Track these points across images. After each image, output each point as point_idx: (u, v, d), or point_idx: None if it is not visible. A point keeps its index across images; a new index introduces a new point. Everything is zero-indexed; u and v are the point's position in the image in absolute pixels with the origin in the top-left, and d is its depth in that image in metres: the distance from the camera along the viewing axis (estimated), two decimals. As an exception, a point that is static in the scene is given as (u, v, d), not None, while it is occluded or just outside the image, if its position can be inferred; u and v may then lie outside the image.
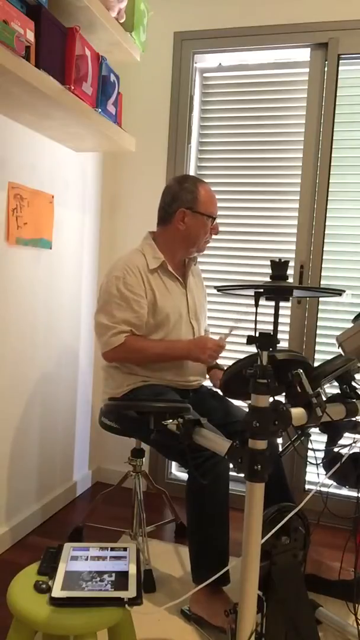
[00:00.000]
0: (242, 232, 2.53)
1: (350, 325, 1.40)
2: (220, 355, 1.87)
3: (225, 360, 2.11)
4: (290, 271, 2.39)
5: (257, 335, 1.12)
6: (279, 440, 2.04)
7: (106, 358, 1.86)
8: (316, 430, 1.42)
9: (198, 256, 2.11)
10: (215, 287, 1.51)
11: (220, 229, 2.53)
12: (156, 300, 1.86)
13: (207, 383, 2.09)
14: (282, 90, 2.46)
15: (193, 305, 1.99)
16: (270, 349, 1.12)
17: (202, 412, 1.80)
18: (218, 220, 2.59)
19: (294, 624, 1.32)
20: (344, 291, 1.41)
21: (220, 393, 1.65)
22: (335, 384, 1.40)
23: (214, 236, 2.30)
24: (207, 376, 2.10)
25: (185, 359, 1.88)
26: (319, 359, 2.43)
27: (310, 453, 2.40)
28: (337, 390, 1.39)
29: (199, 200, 1.89)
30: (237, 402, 1.97)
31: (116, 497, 2.28)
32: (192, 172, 2.58)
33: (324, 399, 1.25)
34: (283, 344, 2.46)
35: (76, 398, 2.53)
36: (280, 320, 2.36)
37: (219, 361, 2.10)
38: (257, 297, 1.31)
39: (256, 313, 1.29)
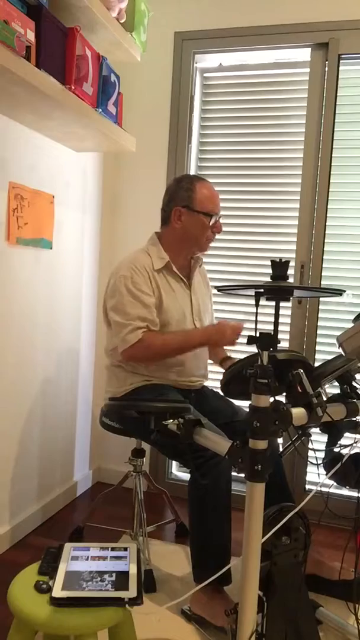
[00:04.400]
0: (242, 232, 2.53)
1: (350, 325, 1.40)
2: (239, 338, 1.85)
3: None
4: (290, 271, 2.39)
5: (258, 335, 1.12)
6: (280, 440, 2.04)
7: (125, 357, 1.82)
8: (317, 430, 1.42)
9: (202, 256, 2.10)
10: (215, 287, 1.51)
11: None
12: (162, 299, 1.86)
13: (209, 383, 2.09)
14: (283, 90, 2.46)
15: (197, 306, 1.98)
16: (271, 349, 1.12)
17: (207, 411, 1.80)
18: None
19: (294, 624, 1.32)
20: (345, 291, 1.42)
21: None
22: (336, 384, 1.40)
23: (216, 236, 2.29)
24: (221, 366, 2.08)
25: (205, 345, 1.86)
26: (319, 359, 2.43)
27: (310, 453, 2.40)
28: (337, 390, 1.39)
29: (195, 198, 1.87)
30: (238, 403, 1.97)
31: (117, 497, 2.29)
32: (192, 172, 2.58)
33: (325, 399, 1.25)
34: (283, 344, 2.46)
35: (77, 398, 2.53)
36: (281, 320, 2.35)
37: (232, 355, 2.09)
38: (257, 297, 1.31)
39: (257, 313, 1.29)
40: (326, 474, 1.34)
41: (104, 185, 2.60)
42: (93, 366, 2.67)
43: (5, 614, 1.60)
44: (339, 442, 1.43)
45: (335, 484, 1.45)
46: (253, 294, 1.34)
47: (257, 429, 1.10)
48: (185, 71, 2.51)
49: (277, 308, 1.38)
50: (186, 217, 1.88)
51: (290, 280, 2.36)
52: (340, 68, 2.31)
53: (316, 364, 1.32)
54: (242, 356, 1.29)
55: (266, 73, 2.48)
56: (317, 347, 2.43)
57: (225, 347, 2.02)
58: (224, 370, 2.05)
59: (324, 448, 1.45)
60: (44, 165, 2.11)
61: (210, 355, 2.08)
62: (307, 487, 2.48)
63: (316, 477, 2.47)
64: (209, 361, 2.08)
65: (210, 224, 1.89)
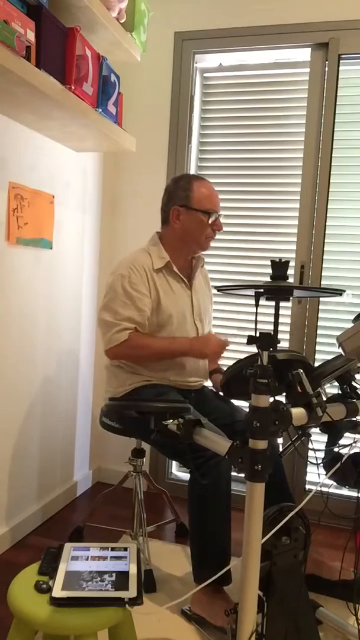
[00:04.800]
0: (242, 232, 2.53)
1: (350, 325, 1.40)
2: (222, 354, 1.85)
3: (226, 360, 2.11)
4: (290, 271, 2.39)
5: (258, 335, 1.12)
6: (280, 440, 2.04)
7: (109, 355, 1.85)
8: (316, 430, 1.42)
9: (203, 256, 2.11)
10: (215, 287, 1.51)
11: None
12: (160, 300, 1.86)
13: (209, 383, 2.09)
14: (283, 90, 2.46)
15: (197, 307, 1.98)
16: (271, 349, 1.12)
17: (208, 411, 1.80)
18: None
19: (294, 624, 1.32)
20: (344, 291, 1.42)
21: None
22: (336, 384, 1.40)
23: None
24: (209, 379, 2.10)
25: (187, 353, 1.85)
26: (319, 359, 2.43)
27: (310, 453, 2.40)
28: (337, 390, 1.39)
29: (192, 197, 1.88)
30: (238, 403, 1.97)
31: (117, 497, 2.28)
32: (192, 172, 2.58)
33: (324, 399, 1.25)
34: (283, 344, 2.46)
35: (77, 398, 2.53)
36: (281, 320, 2.36)
37: (221, 363, 2.10)
38: (257, 297, 1.31)
39: (257, 313, 1.29)
40: (326, 474, 1.34)
41: (104, 185, 2.60)
42: (93, 366, 2.67)
43: (5, 614, 1.60)
44: (338, 442, 1.43)
45: (335, 483, 1.45)
46: (253, 294, 1.34)
47: (257, 429, 1.10)
48: (185, 71, 2.51)
49: (277, 308, 1.38)
50: (185, 216, 1.88)
51: (290, 280, 2.36)
52: (340, 68, 2.31)
53: (316, 364, 1.32)
54: (242, 356, 1.29)
55: (266, 73, 2.48)
56: (317, 347, 2.43)
57: (210, 360, 2.00)
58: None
59: (324, 448, 1.45)
60: (44, 165, 2.11)
61: None
62: (307, 487, 2.48)
63: (316, 477, 2.47)
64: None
65: (210, 221, 1.89)
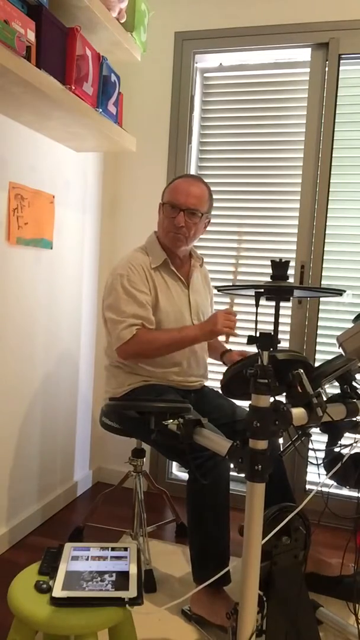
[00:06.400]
0: (242, 232, 2.53)
1: (350, 325, 1.40)
2: (235, 324, 1.77)
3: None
4: (290, 271, 2.39)
5: (258, 335, 1.12)
6: (280, 440, 2.04)
7: (120, 354, 1.83)
8: (317, 430, 1.42)
9: (202, 255, 2.11)
10: (215, 287, 1.51)
11: (220, 229, 2.55)
12: (158, 298, 1.86)
13: (209, 384, 2.09)
14: (283, 90, 2.46)
15: (196, 306, 1.98)
16: (271, 349, 1.12)
17: (208, 410, 1.80)
18: (219, 221, 2.57)
19: (294, 624, 1.32)
20: (345, 291, 1.41)
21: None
22: (336, 384, 1.40)
23: (214, 236, 2.28)
24: (222, 361, 2.06)
25: (198, 338, 1.81)
26: (319, 359, 2.43)
27: (311, 453, 2.40)
28: (337, 391, 1.39)
29: (166, 192, 1.91)
30: (238, 402, 1.97)
31: (117, 497, 2.28)
32: (192, 172, 2.57)
33: (325, 399, 1.25)
34: (284, 344, 2.46)
35: (77, 398, 2.53)
36: (281, 320, 2.35)
37: (233, 347, 2.07)
38: (257, 297, 1.31)
39: (257, 313, 1.29)
40: (326, 474, 1.34)
41: (104, 185, 2.60)
42: (93, 366, 2.67)
43: (5, 614, 1.60)
44: (339, 442, 1.43)
45: (335, 484, 1.45)
46: (253, 294, 1.34)
47: (257, 429, 1.10)
48: (185, 71, 2.51)
49: (277, 308, 1.38)
50: (161, 211, 1.92)
51: (290, 280, 2.36)
52: (340, 68, 2.31)
53: (316, 364, 1.32)
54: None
55: (266, 73, 2.48)
56: (318, 347, 2.43)
57: (222, 339, 1.96)
58: (225, 366, 2.05)
59: (324, 448, 1.45)
60: (44, 165, 2.11)
61: (210, 353, 2.08)
62: (308, 487, 2.48)
63: (316, 477, 2.47)
64: (209, 361, 2.08)
65: (167, 214, 1.86)
